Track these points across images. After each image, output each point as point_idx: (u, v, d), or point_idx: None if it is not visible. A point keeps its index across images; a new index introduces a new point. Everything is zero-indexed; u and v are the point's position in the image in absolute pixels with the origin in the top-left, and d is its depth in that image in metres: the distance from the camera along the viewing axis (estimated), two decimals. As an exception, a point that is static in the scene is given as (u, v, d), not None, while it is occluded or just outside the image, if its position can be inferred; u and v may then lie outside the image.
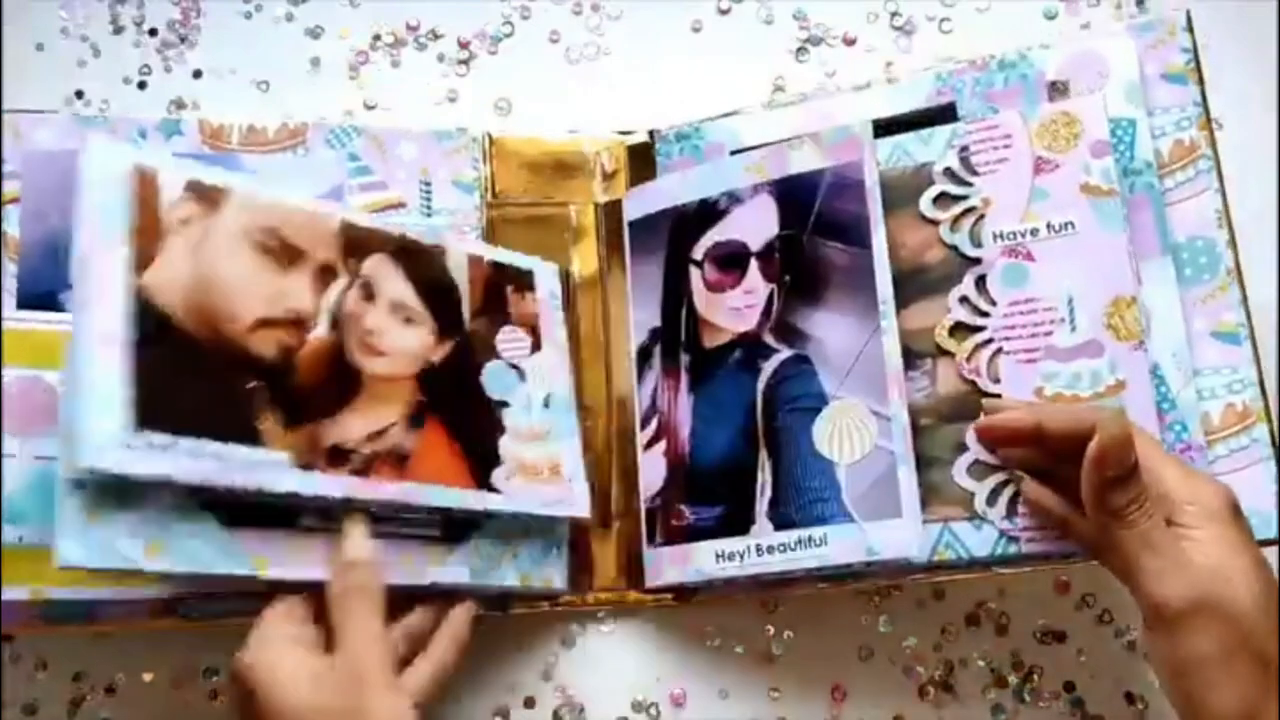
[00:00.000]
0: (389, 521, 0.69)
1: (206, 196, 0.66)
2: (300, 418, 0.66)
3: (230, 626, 0.73)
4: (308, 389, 0.67)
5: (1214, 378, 0.69)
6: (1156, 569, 0.60)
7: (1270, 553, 0.71)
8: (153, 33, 0.86)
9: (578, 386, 0.79)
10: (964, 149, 0.73)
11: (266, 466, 0.63)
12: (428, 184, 0.80)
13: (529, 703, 0.78)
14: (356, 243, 0.71)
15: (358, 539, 0.66)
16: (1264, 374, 0.69)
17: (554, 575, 0.75)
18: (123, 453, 0.59)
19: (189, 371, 0.63)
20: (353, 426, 0.68)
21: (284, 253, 0.68)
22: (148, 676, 0.77)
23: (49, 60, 0.85)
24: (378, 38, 0.87)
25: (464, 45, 0.87)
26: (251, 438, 0.63)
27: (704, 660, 0.78)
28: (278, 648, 0.63)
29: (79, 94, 0.85)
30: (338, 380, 0.68)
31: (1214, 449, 0.68)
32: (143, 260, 0.63)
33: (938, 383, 0.72)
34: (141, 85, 0.85)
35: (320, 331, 0.68)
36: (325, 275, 0.69)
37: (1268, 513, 0.67)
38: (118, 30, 0.86)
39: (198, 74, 0.86)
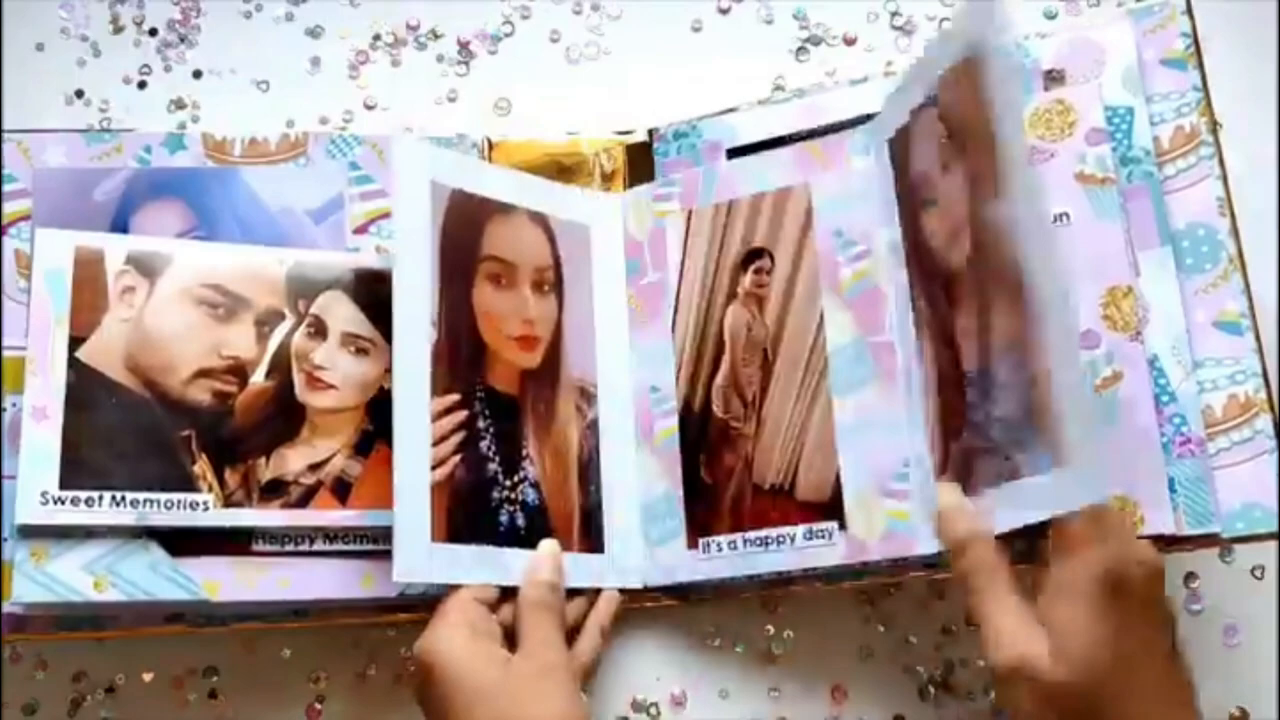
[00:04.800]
0: (349, 540, 0.73)
1: (147, 265, 0.73)
2: (234, 458, 0.72)
3: (231, 630, 0.74)
4: (244, 430, 0.72)
5: (1216, 369, 0.68)
6: None
7: (1270, 547, 0.71)
8: (153, 33, 0.87)
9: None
10: (958, 140, 0.72)
11: (189, 506, 0.70)
12: (428, 190, 0.81)
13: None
14: (307, 284, 0.75)
15: (546, 560, 0.72)
16: (1267, 364, 0.68)
17: None
18: (49, 509, 0.68)
19: (124, 427, 0.70)
20: (292, 460, 0.72)
21: (226, 304, 0.73)
22: (148, 676, 0.77)
23: (49, 60, 0.86)
24: (378, 38, 0.87)
25: (464, 45, 0.87)
26: (181, 482, 0.70)
27: (704, 660, 0.78)
28: (463, 631, 0.67)
29: (79, 94, 0.86)
30: (279, 418, 0.73)
31: (1215, 441, 0.67)
32: (81, 334, 0.71)
33: (934, 377, 0.71)
34: (141, 85, 0.86)
35: (260, 375, 0.73)
36: (270, 320, 0.74)
37: (1269, 506, 0.66)
38: (118, 30, 0.87)
39: (198, 74, 0.87)
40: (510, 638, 0.70)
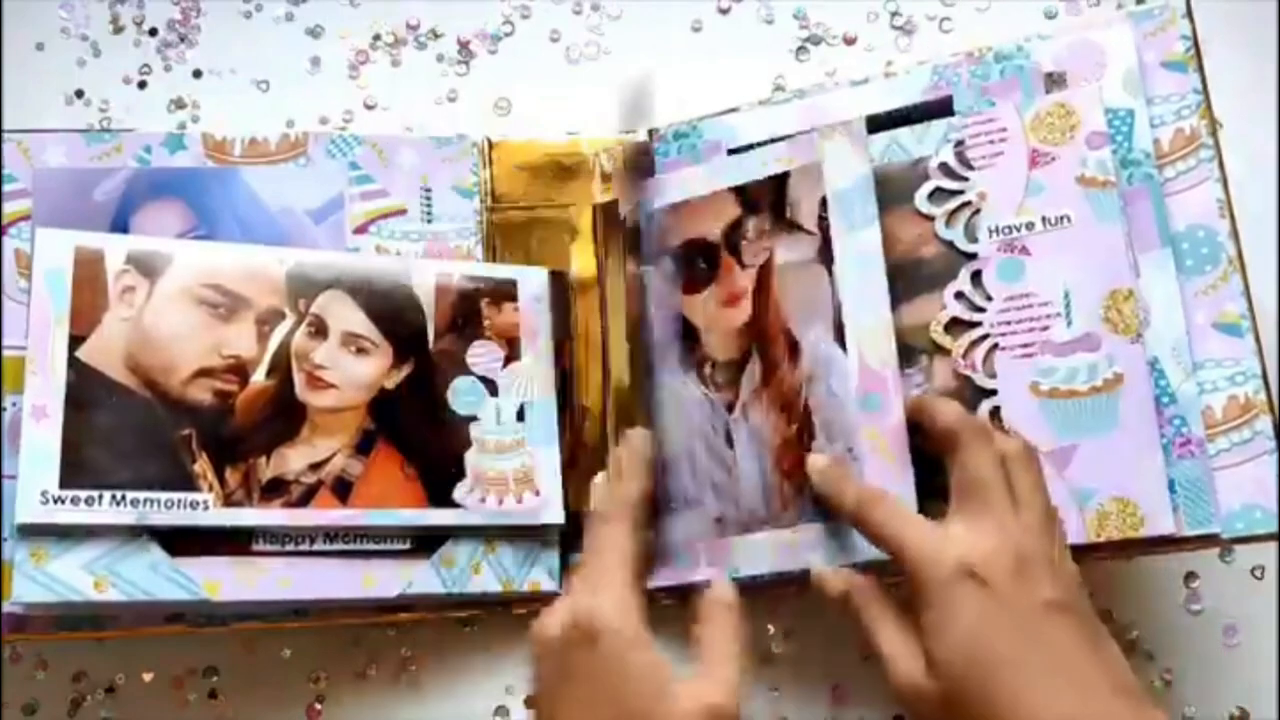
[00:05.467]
0: (349, 540, 0.73)
1: (147, 264, 0.73)
2: (235, 458, 0.71)
3: (231, 630, 0.74)
4: (245, 430, 0.72)
5: (1216, 370, 0.68)
6: None
7: (1270, 548, 0.71)
8: (153, 32, 0.87)
9: (576, 386, 0.79)
10: (959, 143, 0.72)
11: (189, 506, 0.70)
12: (428, 191, 0.81)
13: (529, 702, 0.77)
14: (307, 283, 0.75)
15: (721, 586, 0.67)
16: (1267, 365, 0.68)
17: (542, 578, 0.76)
18: (49, 508, 0.68)
19: (124, 427, 0.70)
20: (293, 459, 0.72)
21: (226, 304, 0.73)
22: (148, 676, 0.77)
23: (49, 60, 0.86)
24: (378, 37, 0.87)
25: (464, 45, 0.87)
26: (181, 481, 0.70)
27: (704, 660, 0.78)
28: (638, 614, 0.63)
29: (79, 94, 0.85)
30: (279, 418, 0.73)
31: (1216, 443, 0.67)
32: (81, 334, 0.71)
33: (933, 379, 0.71)
34: (141, 85, 0.86)
35: (260, 375, 0.72)
36: (271, 319, 0.74)
37: (1269, 506, 0.66)
38: (118, 30, 0.87)
39: (198, 74, 0.87)
40: None
